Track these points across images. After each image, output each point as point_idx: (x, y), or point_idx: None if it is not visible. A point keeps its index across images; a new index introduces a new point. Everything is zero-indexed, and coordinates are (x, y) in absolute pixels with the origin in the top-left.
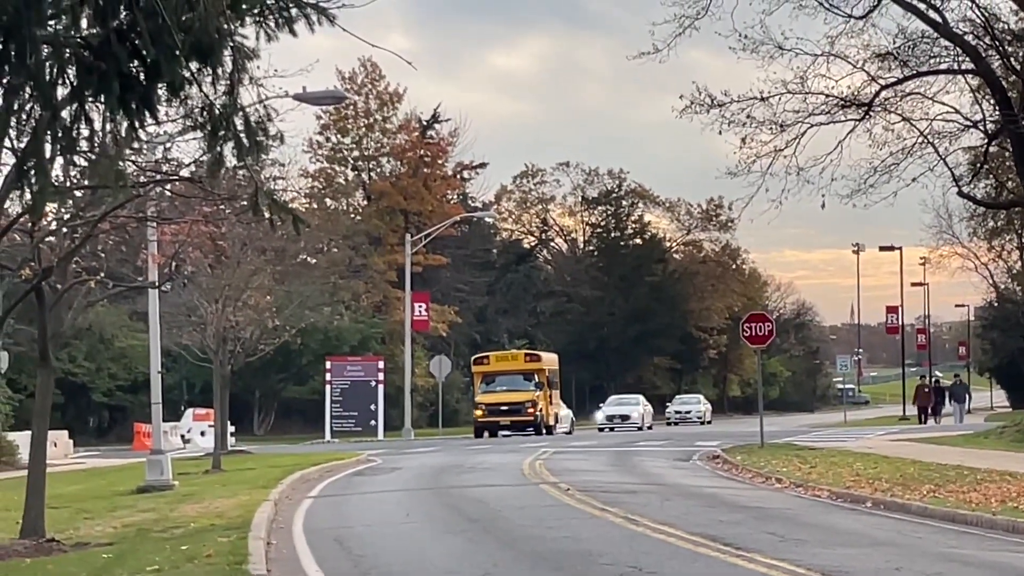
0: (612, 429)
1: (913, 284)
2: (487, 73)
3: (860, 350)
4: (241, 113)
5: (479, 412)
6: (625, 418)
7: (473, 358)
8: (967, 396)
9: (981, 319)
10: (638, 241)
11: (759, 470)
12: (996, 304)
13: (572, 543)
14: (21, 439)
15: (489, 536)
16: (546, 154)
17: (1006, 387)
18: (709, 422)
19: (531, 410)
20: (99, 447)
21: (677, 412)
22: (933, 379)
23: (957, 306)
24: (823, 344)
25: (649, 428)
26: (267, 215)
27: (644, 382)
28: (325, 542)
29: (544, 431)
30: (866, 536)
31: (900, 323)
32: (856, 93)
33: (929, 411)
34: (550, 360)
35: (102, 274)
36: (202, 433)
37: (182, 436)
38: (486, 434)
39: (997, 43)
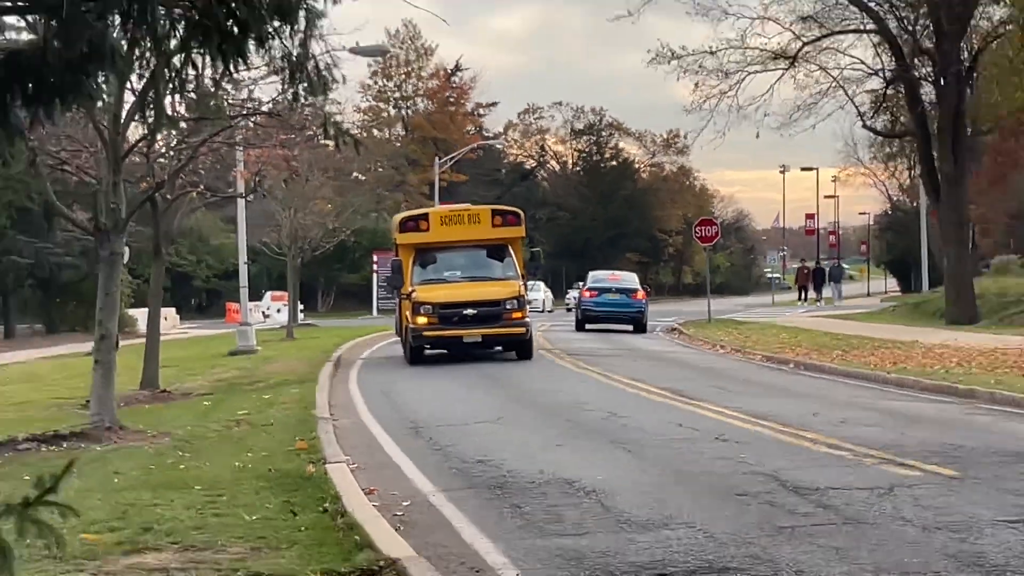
0: None
1: (826, 197)
2: (489, 32)
3: (785, 248)
4: (312, 60)
5: (422, 319)
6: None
7: (399, 219)
8: (842, 276)
9: (879, 223)
10: (614, 163)
11: (707, 339)
12: (890, 212)
13: (564, 396)
14: (139, 315)
15: (500, 389)
16: (542, 96)
17: (897, 276)
18: (551, 311)
19: (516, 315)
20: (199, 320)
21: None
22: (815, 262)
23: (860, 214)
24: (756, 243)
25: (550, 311)
26: (333, 140)
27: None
28: (374, 394)
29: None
30: (790, 390)
31: (816, 227)
32: (784, 48)
33: (810, 289)
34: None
35: (201, 187)
36: (278, 311)
37: (263, 313)
38: (433, 350)
39: (894, 8)
